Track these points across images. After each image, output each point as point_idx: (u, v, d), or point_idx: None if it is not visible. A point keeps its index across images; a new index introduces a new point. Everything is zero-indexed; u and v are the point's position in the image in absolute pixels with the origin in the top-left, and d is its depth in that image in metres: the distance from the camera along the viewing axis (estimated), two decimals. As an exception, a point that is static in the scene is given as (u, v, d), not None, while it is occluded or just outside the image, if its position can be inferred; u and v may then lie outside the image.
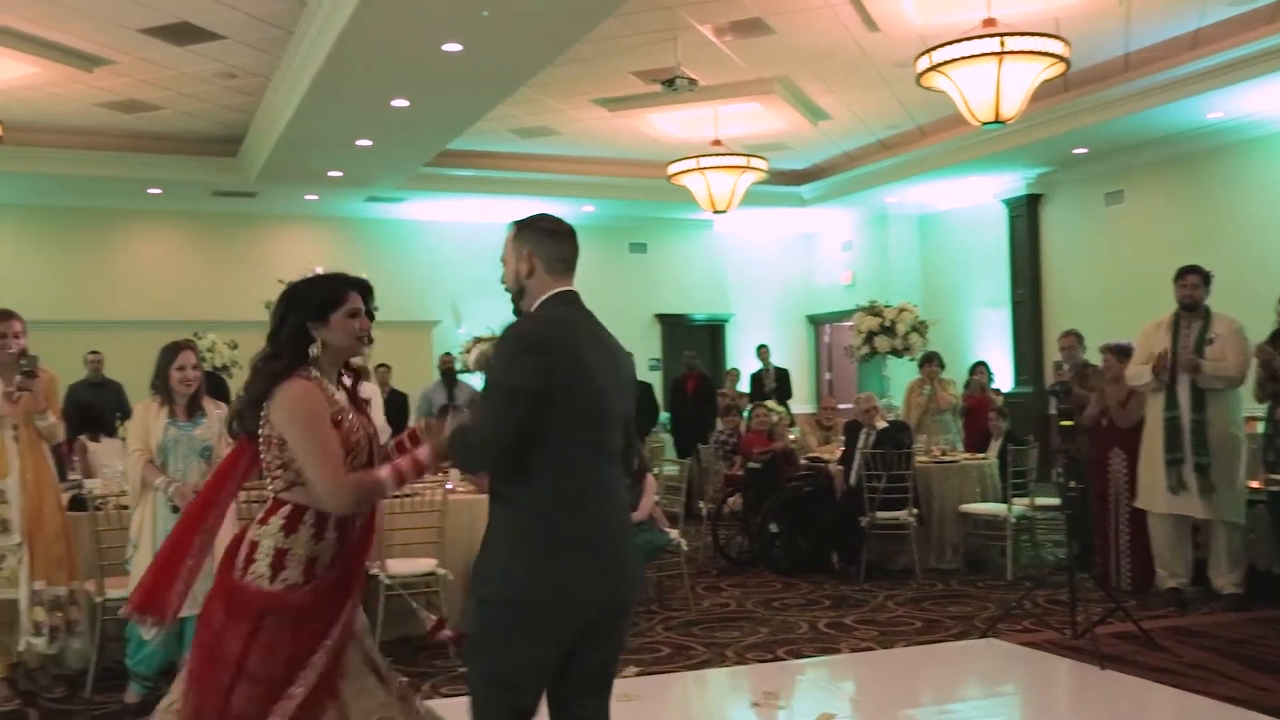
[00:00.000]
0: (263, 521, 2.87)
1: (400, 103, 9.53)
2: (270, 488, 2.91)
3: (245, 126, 11.47)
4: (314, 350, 2.91)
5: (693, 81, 9.62)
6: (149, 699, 5.01)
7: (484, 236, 13.99)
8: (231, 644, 2.81)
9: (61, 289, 12.92)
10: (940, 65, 7.95)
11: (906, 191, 13.97)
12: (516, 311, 2.96)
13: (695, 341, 15.01)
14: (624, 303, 15.41)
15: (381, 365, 11.39)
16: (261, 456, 2.92)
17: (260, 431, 2.89)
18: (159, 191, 12.82)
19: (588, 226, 15.26)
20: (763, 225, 16.04)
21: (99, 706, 5.05)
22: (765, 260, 16.45)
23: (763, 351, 13.52)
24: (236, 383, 10.30)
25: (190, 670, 2.92)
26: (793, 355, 15.85)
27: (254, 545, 2.86)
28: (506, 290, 2.98)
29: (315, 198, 13.45)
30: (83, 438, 7.68)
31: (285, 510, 2.86)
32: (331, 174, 12.21)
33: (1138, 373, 6.71)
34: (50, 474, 5.13)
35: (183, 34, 8.82)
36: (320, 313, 2.92)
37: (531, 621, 2.74)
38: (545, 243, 2.91)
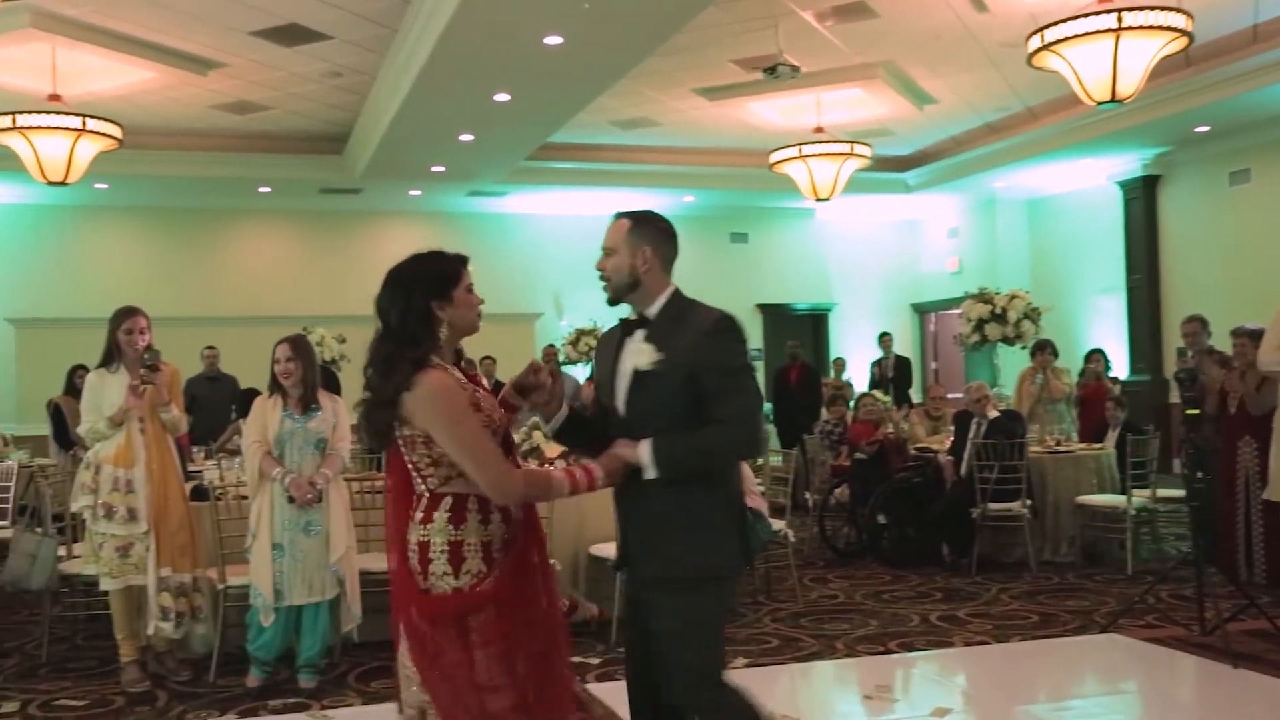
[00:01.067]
0: (426, 521, 2.74)
1: (502, 97, 9.62)
2: (420, 487, 2.77)
3: (351, 124, 11.72)
4: (443, 333, 2.79)
5: (795, 68, 9.53)
6: (268, 683, 5.17)
7: (585, 228, 14.13)
8: (456, 658, 2.69)
9: (178, 286, 13.39)
10: (1053, 44, 7.75)
11: (1016, 175, 13.64)
12: (614, 301, 3.01)
13: (797, 331, 14.89)
14: (725, 293, 15.33)
15: (486, 358, 11.55)
16: (406, 457, 2.77)
17: (398, 432, 2.74)
18: (269, 190, 13.18)
19: (688, 217, 15.40)
20: (866, 212, 15.83)
21: (223, 690, 5.22)
22: (869, 248, 16.24)
23: (885, 339, 13.35)
24: (345, 376, 10.53)
25: (440, 707, 2.72)
26: (898, 344, 15.59)
27: (425, 546, 2.73)
28: (605, 279, 3.00)
29: (419, 193, 13.68)
30: (237, 420, 7.95)
31: (447, 503, 2.73)
32: (435, 169, 12.40)
33: (1273, 358, 6.43)
34: (175, 465, 5.32)
35: (291, 35, 9.04)
36: (444, 290, 2.79)
37: (727, 594, 3.05)
38: (666, 244, 3.00)
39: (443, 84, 9.13)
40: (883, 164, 13.55)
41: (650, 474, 2.81)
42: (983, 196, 14.76)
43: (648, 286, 2.96)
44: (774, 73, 9.50)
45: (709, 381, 2.83)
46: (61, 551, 5.77)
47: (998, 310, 9.41)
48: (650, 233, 2.98)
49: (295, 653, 5.25)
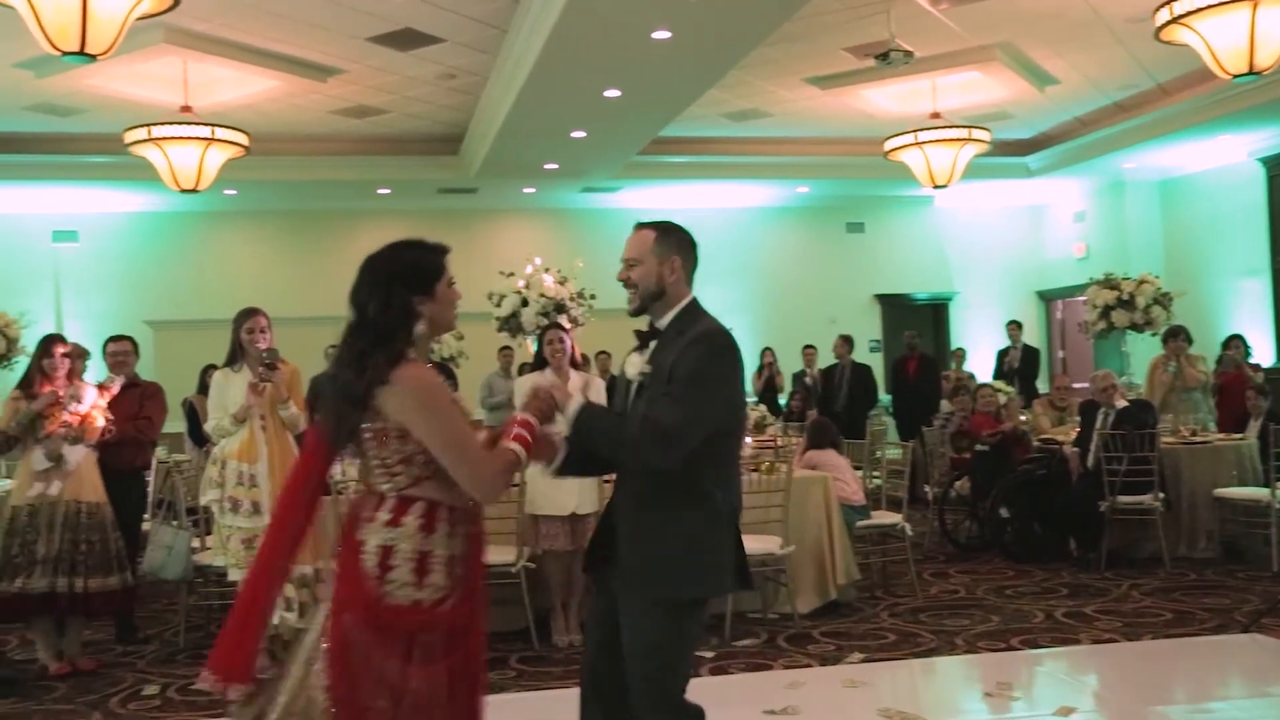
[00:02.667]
0: (393, 524, 2.59)
1: (613, 93, 9.66)
2: (385, 486, 2.63)
3: (465, 125, 11.91)
4: (419, 329, 2.66)
5: (908, 54, 9.35)
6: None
7: (699, 222, 14.01)
8: (386, 664, 2.56)
9: (303, 286, 13.77)
10: (1183, 17, 7.44)
11: (1146, 155, 13.09)
12: (638, 312, 3.07)
13: (917, 322, 14.63)
14: (841, 283, 15.25)
15: (601, 352, 11.62)
16: (371, 454, 2.64)
17: (366, 426, 2.61)
18: (388, 191, 13.50)
19: (802, 208, 15.29)
20: (987, 199, 15.42)
21: None
22: (990, 235, 15.82)
23: (1013, 328, 12.99)
24: (464, 372, 10.73)
25: (335, 693, 2.60)
26: (1025, 332, 15.21)
27: (388, 550, 2.58)
28: (630, 287, 3.04)
29: (533, 190, 13.83)
30: None
31: (419, 508, 2.60)
32: (548, 166, 12.52)
33: None
34: (295, 460, 5.50)
35: (406, 40, 9.22)
36: (426, 285, 2.68)
37: (702, 616, 3.05)
38: (690, 254, 3.07)
39: (553, 82, 9.21)
40: (1003, 148, 13.19)
41: (563, 428, 2.82)
42: (1110, 179, 14.23)
43: (670, 296, 3.01)
44: (886, 59, 9.33)
45: (670, 384, 2.84)
46: (195, 543, 6.03)
47: (1125, 296, 9.07)
48: (677, 242, 3.03)
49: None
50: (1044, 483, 7.63)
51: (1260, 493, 7.27)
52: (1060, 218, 15.47)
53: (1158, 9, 7.58)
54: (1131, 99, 12.03)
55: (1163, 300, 9.12)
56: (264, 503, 5.30)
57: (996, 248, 15.78)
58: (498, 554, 5.80)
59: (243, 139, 9.75)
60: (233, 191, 12.89)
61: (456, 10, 8.56)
